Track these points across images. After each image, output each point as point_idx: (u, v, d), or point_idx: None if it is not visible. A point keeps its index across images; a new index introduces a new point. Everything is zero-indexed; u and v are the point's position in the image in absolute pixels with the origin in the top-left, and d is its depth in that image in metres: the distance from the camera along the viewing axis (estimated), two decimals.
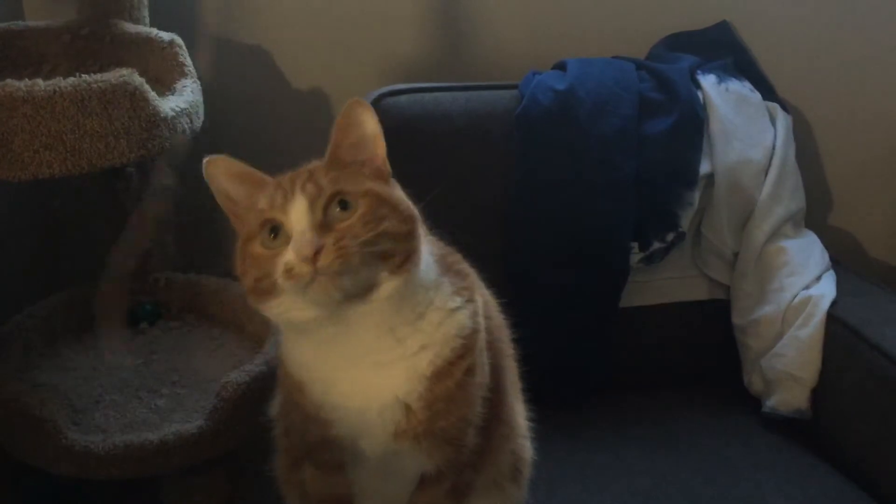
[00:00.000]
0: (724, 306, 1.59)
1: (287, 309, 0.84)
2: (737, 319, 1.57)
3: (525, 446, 1.09)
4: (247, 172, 0.91)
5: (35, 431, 1.27)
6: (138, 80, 1.22)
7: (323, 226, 0.83)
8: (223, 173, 0.91)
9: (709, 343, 1.61)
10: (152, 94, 1.24)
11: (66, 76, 1.18)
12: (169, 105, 1.28)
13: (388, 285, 0.84)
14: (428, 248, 0.91)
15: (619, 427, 1.46)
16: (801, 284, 1.53)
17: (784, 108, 1.64)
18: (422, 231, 0.90)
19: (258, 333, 1.53)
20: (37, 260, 1.79)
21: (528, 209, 1.48)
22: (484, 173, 1.51)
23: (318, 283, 0.80)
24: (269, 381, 1.22)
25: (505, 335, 1.06)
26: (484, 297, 1.01)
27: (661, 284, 1.58)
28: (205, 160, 0.91)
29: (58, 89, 1.15)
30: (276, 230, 0.84)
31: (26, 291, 1.63)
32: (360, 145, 0.90)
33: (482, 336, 0.95)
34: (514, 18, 1.72)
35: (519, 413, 1.08)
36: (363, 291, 0.84)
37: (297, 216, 0.83)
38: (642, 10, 1.74)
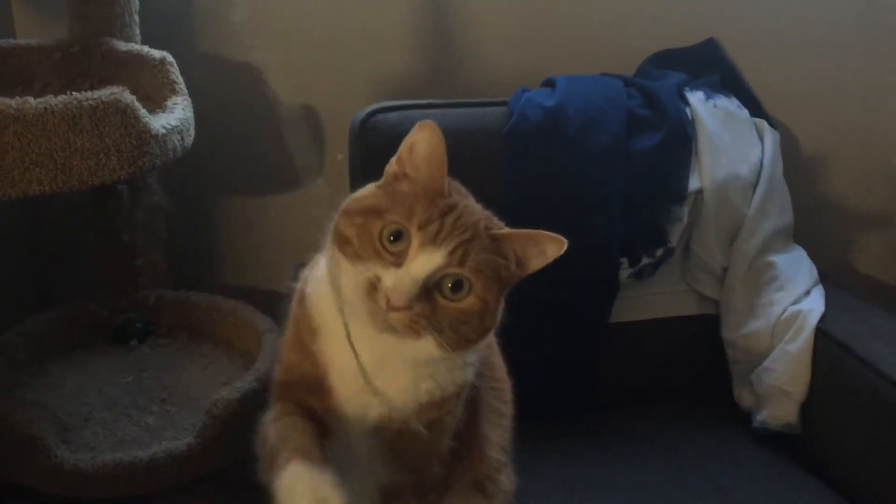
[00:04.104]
0: (714, 321, 1.60)
1: (343, 280, 0.86)
2: (726, 334, 1.58)
3: (496, 477, 1.07)
4: (441, 167, 0.88)
5: (23, 450, 1.26)
6: (129, 97, 1.22)
7: (429, 288, 0.84)
8: (429, 145, 0.88)
9: (698, 358, 1.62)
10: (143, 112, 1.24)
11: (56, 94, 1.18)
12: (160, 122, 1.28)
13: (428, 347, 0.87)
14: None
15: (608, 442, 1.46)
16: (789, 299, 1.54)
17: (771, 124, 1.65)
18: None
19: (249, 350, 1.52)
20: (26, 277, 1.78)
21: (516, 225, 1.48)
22: (473, 190, 1.51)
23: (378, 315, 0.84)
24: (260, 398, 1.22)
25: (496, 361, 1.08)
26: None
27: (650, 300, 1.59)
28: (426, 122, 0.88)
29: (48, 107, 1.15)
30: (399, 238, 0.85)
31: (15, 308, 1.62)
32: (525, 255, 0.91)
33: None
34: (504, 35, 1.73)
35: (492, 444, 1.07)
36: (408, 339, 0.87)
37: (423, 264, 0.84)
38: (631, 28, 1.75)
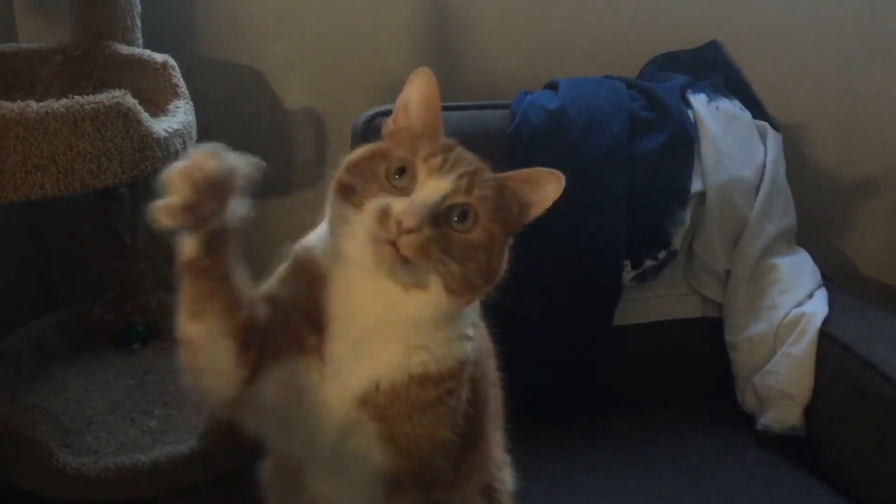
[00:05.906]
0: (717, 324, 1.60)
1: (346, 232, 0.85)
2: (729, 337, 1.57)
3: (500, 477, 1.07)
4: (436, 111, 0.92)
5: (26, 454, 1.26)
6: (131, 101, 1.22)
7: (438, 216, 0.84)
8: (422, 91, 0.91)
9: (702, 361, 1.62)
10: (145, 115, 1.24)
11: (58, 97, 1.18)
12: (162, 126, 1.28)
13: (433, 297, 0.86)
14: None
15: (611, 445, 1.46)
16: (793, 302, 1.53)
17: (774, 126, 1.65)
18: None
19: None
20: (29, 280, 1.78)
21: (518, 231, 1.48)
22: None
23: (380, 247, 0.82)
24: None
25: (492, 364, 1.06)
26: (477, 325, 1.01)
27: (653, 302, 1.59)
28: (420, 69, 0.91)
29: (50, 110, 1.15)
30: (403, 173, 0.86)
31: (18, 312, 1.62)
32: (526, 200, 0.91)
33: (469, 369, 0.96)
34: (506, 38, 1.73)
35: (496, 443, 1.07)
36: (408, 285, 0.85)
37: (432, 190, 0.84)
38: (633, 30, 1.75)
